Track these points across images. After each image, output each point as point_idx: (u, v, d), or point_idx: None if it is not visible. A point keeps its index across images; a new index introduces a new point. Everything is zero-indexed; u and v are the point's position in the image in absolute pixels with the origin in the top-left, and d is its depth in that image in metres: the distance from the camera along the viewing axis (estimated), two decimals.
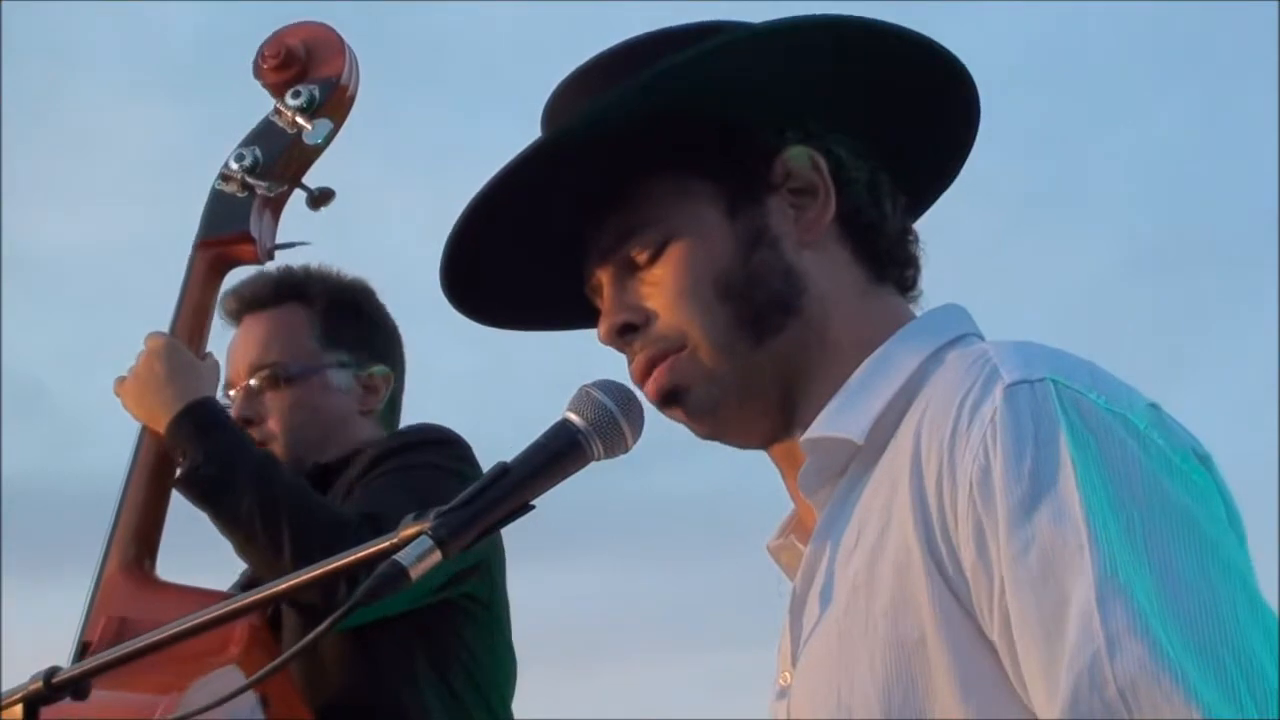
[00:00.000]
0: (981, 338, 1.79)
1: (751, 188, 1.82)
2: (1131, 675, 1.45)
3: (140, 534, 3.06)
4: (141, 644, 1.89)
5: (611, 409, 1.76)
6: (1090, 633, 1.48)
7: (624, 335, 1.82)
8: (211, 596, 2.98)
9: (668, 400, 1.81)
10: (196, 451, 2.97)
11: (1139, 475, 1.54)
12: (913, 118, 1.88)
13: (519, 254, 1.90)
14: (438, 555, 1.68)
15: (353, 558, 1.76)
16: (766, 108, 1.82)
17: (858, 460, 1.74)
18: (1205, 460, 1.61)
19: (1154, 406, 1.62)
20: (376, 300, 3.44)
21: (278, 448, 3.24)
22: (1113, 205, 7.06)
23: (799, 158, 1.82)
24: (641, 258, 1.82)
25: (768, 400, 1.80)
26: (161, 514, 3.07)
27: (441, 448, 3.17)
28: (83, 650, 2.93)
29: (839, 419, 1.74)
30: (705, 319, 1.78)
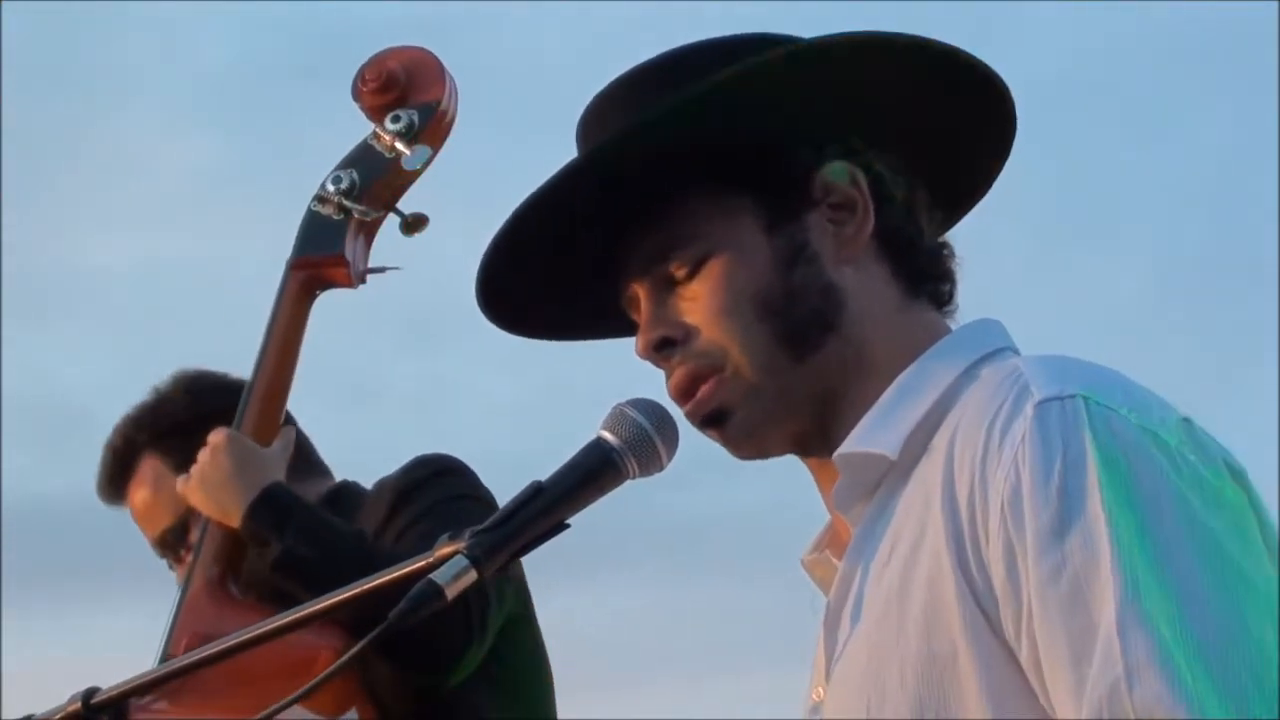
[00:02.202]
0: (1017, 352, 1.79)
1: (791, 204, 1.81)
2: (1149, 706, 1.45)
3: (224, 554, 3.06)
4: (181, 664, 1.89)
5: (646, 427, 1.76)
6: (1111, 660, 1.48)
7: (661, 350, 1.82)
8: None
9: (708, 422, 1.81)
10: (282, 537, 2.97)
11: (1168, 496, 1.54)
12: (951, 132, 1.87)
13: (555, 266, 1.89)
14: (473, 574, 1.68)
15: (389, 577, 1.76)
16: (806, 123, 1.82)
17: (891, 476, 1.73)
18: (1239, 475, 1.60)
19: (1187, 421, 1.61)
20: (198, 380, 3.41)
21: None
22: (1153, 220, 7.03)
23: (838, 174, 1.82)
24: (680, 273, 1.81)
25: (805, 417, 1.80)
26: (240, 537, 3.04)
27: (455, 477, 3.18)
28: None
29: (872, 435, 1.74)
30: (745, 336, 1.78)
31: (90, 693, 1.84)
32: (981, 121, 1.87)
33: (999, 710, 1.56)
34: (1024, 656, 1.55)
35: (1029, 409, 1.59)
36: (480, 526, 1.72)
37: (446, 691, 3.02)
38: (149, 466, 3.33)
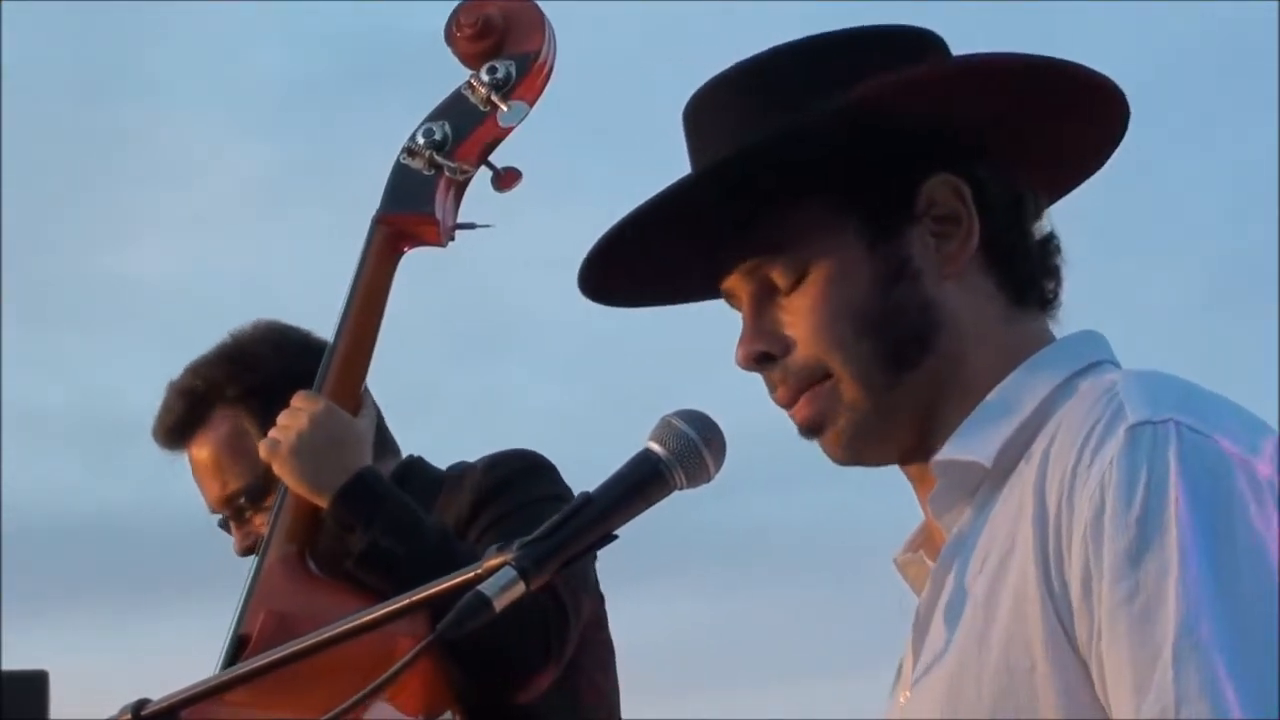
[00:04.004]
0: (1116, 364, 1.78)
1: (894, 218, 1.80)
2: None
3: (300, 530, 2.95)
4: (236, 674, 1.89)
5: (694, 438, 1.76)
6: (1163, 689, 1.49)
7: (761, 363, 1.82)
8: (369, 597, 2.81)
9: (809, 432, 1.81)
10: (369, 528, 2.88)
11: (1246, 532, 1.54)
12: (1063, 138, 1.85)
13: (656, 257, 1.88)
14: (521, 586, 1.69)
15: (438, 588, 1.76)
16: (912, 137, 1.80)
17: (987, 484, 1.74)
18: None
19: None
20: (285, 336, 3.26)
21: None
22: (1201, 227, 7.00)
23: (943, 187, 1.80)
24: (782, 282, 1.81)
25: (905, 430, 1.80)
26: (320, 513, 2.94)
27: (538, 475, 3.10)
28: (239, 644, 2.86)
29: (969, 443, 1.74)
30: (844, 354, 1.77)
31: (140, 704, 1.84)
32: (1097, 128, 1.85)
33: None
34: (1094, 675, 1.57)
35: (1121, 431, 1.59)
36: (528, 538, 1.72)
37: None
38: (228, 419, 3.17)
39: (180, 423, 3.21)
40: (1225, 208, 7.07)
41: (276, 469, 2.93)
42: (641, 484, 1.75)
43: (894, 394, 1.78)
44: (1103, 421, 1.62)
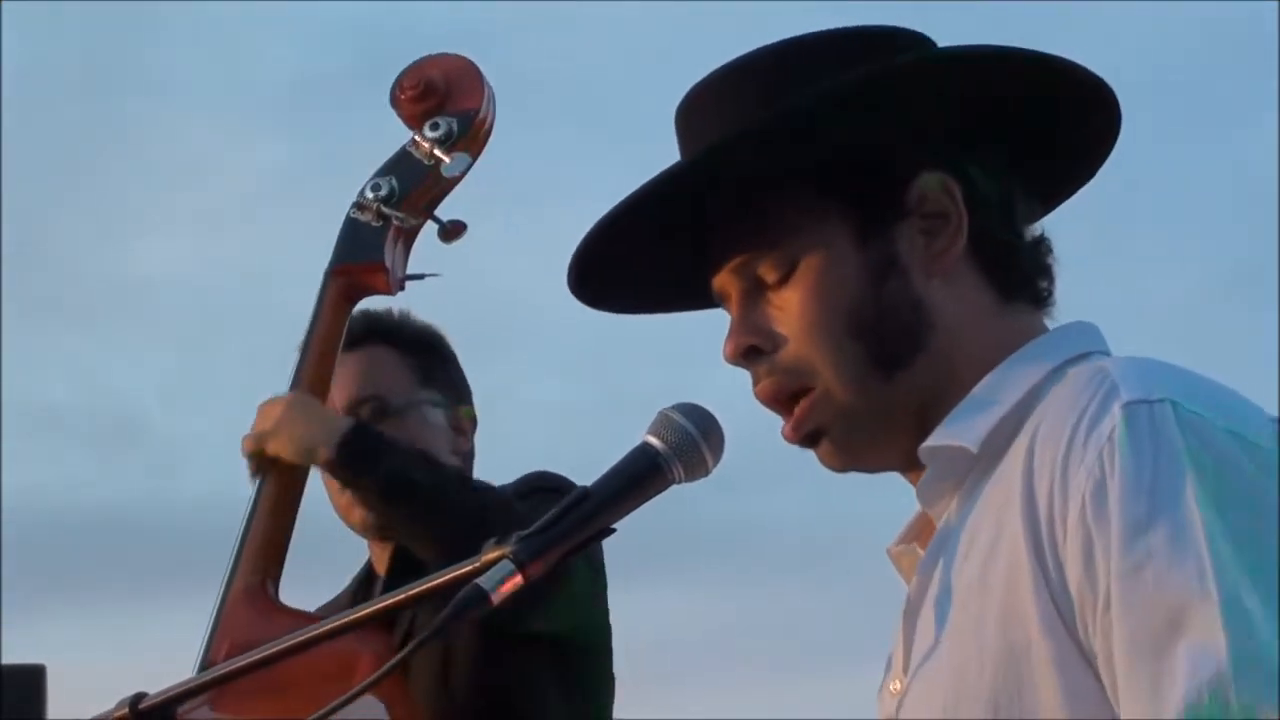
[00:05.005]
0: (1108, 354, 1.77)
1: (883, 214, 1.79)
2: (1251, 705, 1.46)
3: (264, 559, 3.05)
4: (230, 668, 1.89)
5: (692, 432, 1.76)
6: (1212, 653, 1.48)
7: (749, 357, 1.81)
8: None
9: (806, 442, 1.80)
10: (378, 465, 2.99)
11: (1259, 503, 1.54)
12: (1054, 137, 1.85)
13: (650, 253, 1.88)
14: (519, 579, 1.69)
15: (437, 581, 1.77)
16: (903, 133, 1.80)
17: (976, 471, 1.73)
18: None
19: (1276, 422, 1.62)
20: (452, 346, 3.47)
21: None
22: (1212, 219, 6.99)
23: (932, 183, 1.79)
24: (770, 277, 1.80)
25: (901, 429, 1.79)
26: (287, 539, 3.07)
27: (554, 498, 3.17)
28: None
29: (955, 429, 1.74)
30: (836, 356, 1.77)
31: (138, 698, 1.85)
32: (1088, 128, 1.85)
33: (1073, 707, 1.57)
34: (1097, 648, 1.56)
35: (1116, 409, 1.58)
36: (527, 531, 1.73)
37: (513, 684, 3.04)
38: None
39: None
40: (1227, 204, 7.06)
41: (270, 447, 3.03)
42: (639, 478, 1.75)
43: (887, 394, 1.77)
44: (1096, 400, 1.61)
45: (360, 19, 6.58)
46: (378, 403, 3.27)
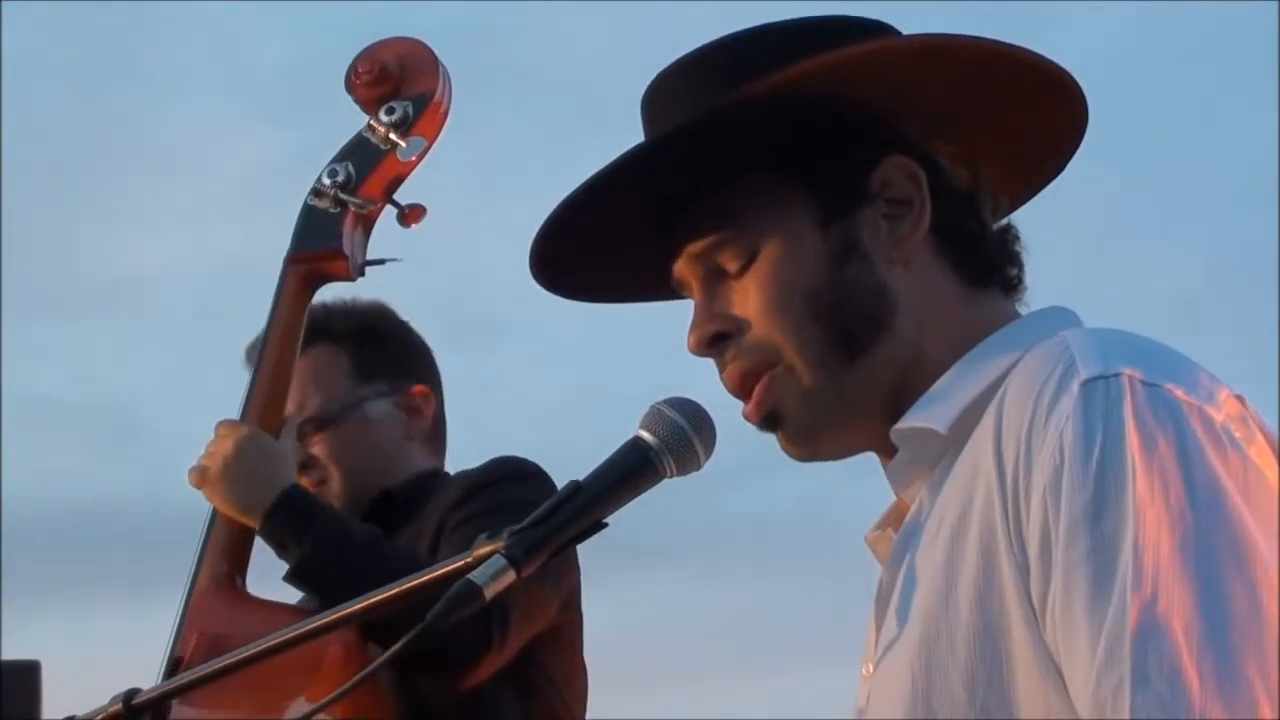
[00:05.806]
0: None
1: (846, 199, 1.79)
2: (1149, 710, 1.45)
3: (231, 550, 3.05)
4: (224, 663, 1.89)
5: (684, 426, 1.75)
6: (1118, 660, 1.48)
7: (715, 345, 1.81)
8: (299, 613, 2.98)
9: (767, 424, 1.80)
10: (301, 543, 2.97)
11: (1205, 482, 1.53)
12: (1018, 130, 1.85)
13: (609, 240, 1.88)
14: (512, 575, 1.68)
15: (426, 577, 1.76)
16: (867, 117, 1.80)
17: (948, 454, 1.72)
18: None
19: (1239, 398, 1.61)
20: (399, 320, 3.45)
21: (335, 488, 3.28)
22: (1205, 216, 6.99)
23: (896, 170, 1.79)
24: (732, 266, 1.80)
25: (864, 415, 1.79)
26: (252, 530, 3.05)
27: (528, 482, 3.17)
28: (174, 666, 2.93)
29: (925, 411, 1.74)
30: (798, 336, 1.77)
31: (131, 694, 1.84)
32: (1051, 122, 1.85)
33: (1048, 679, 1.56)
34: (1047, 633, 1.55)
35: (1074, 387, 1.58)
36: (518, 526, 1.72)
37: (477, 692, 3.01)
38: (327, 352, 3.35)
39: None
40: (1227, 196, 7.06)
41: (206, 494, 3.04)
42: (631, 472, 1.75)
43: (848, 377, 1.77)
44: (1055, 376, 1.60)
45: (357, 10, 6.57)
46: (314, 421, 3.30)
